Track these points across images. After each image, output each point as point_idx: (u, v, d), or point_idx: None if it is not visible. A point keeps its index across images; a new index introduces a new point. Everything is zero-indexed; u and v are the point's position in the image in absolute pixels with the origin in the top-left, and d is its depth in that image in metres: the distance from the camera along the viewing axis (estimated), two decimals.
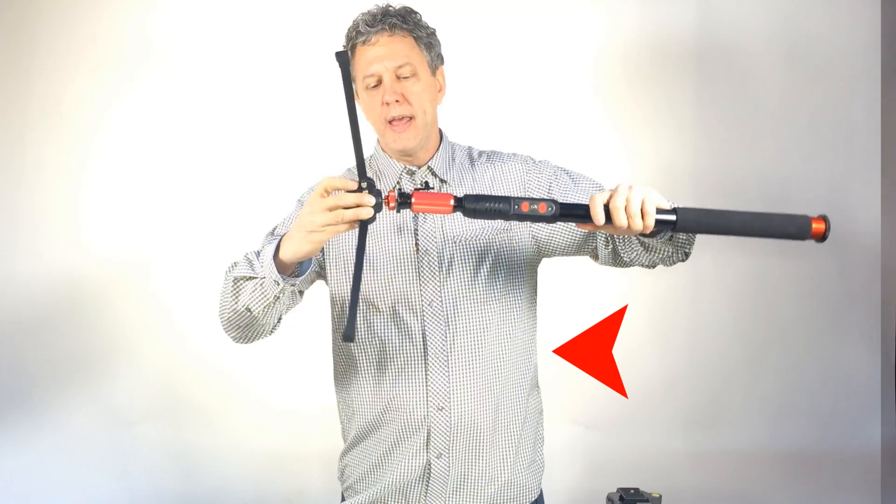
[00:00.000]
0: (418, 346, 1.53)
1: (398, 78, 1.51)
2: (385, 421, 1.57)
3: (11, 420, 2.82)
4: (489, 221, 1.55)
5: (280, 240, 1.37)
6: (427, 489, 1.56)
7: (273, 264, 1.36)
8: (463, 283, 1.54)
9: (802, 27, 2.85)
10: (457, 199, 1.30)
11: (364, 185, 1.27)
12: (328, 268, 1.59)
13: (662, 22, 2.85)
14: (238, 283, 1.42)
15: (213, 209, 2.83)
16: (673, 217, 1.32)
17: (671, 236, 1.40)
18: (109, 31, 2.83)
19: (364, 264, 1.40)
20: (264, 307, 1.41)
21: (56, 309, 2.82)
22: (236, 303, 1.43)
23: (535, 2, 2.86)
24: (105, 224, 2.84)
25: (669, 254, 1.46)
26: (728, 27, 2.85)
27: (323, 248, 1.57)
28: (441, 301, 1.53)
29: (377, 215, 1.29)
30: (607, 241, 1.51)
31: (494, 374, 1.55)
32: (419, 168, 1.59)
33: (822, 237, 1.35)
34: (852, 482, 2.87)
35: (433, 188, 1.58)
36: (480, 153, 1.67)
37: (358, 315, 1.55)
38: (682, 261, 1.49)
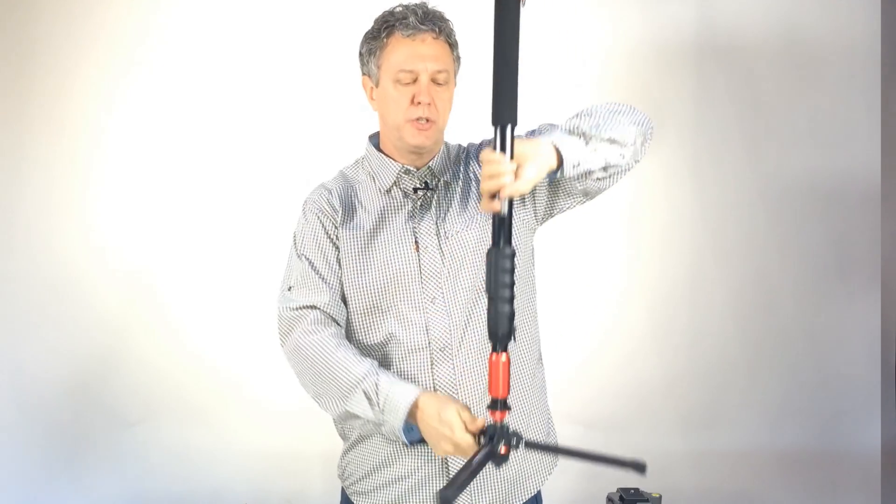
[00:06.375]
0: (422, 342, 1.53)
1: (432, 81, 1.52)
2: None
3: (12, 421, 2.82)
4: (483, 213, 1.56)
5: (412, 408, 1.42)
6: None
7: (402, 432, 1.44)
8: (463, 275, 1.55)
9: (802, 27, 2.85)
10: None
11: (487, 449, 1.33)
12: (347, 281, 1.58)
13: (663, 23, 2.85)
14: (350, 418, 1.51)
15: (211, 209, 2.83)
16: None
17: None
18: (112, 33, 2.82)
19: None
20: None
21: (55, 309, 2.82)
22: (343, 422, 1.57)
23: (536, 2, 2.85)
24: (104, 225, 2.84)
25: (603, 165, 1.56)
26: (728, 27, 2.85)
27: (341, 263, 1.57)
28: (443, 295, 1.54)
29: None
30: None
31: None
32: (418, 169, 1.60)
33: None
34: (852, 482, 2.88)
35: (433, 188, 1.59)
36: (464, 149, 1.69)
37: (363, 316, 1.57)
38: (632, 162, 1.64)
